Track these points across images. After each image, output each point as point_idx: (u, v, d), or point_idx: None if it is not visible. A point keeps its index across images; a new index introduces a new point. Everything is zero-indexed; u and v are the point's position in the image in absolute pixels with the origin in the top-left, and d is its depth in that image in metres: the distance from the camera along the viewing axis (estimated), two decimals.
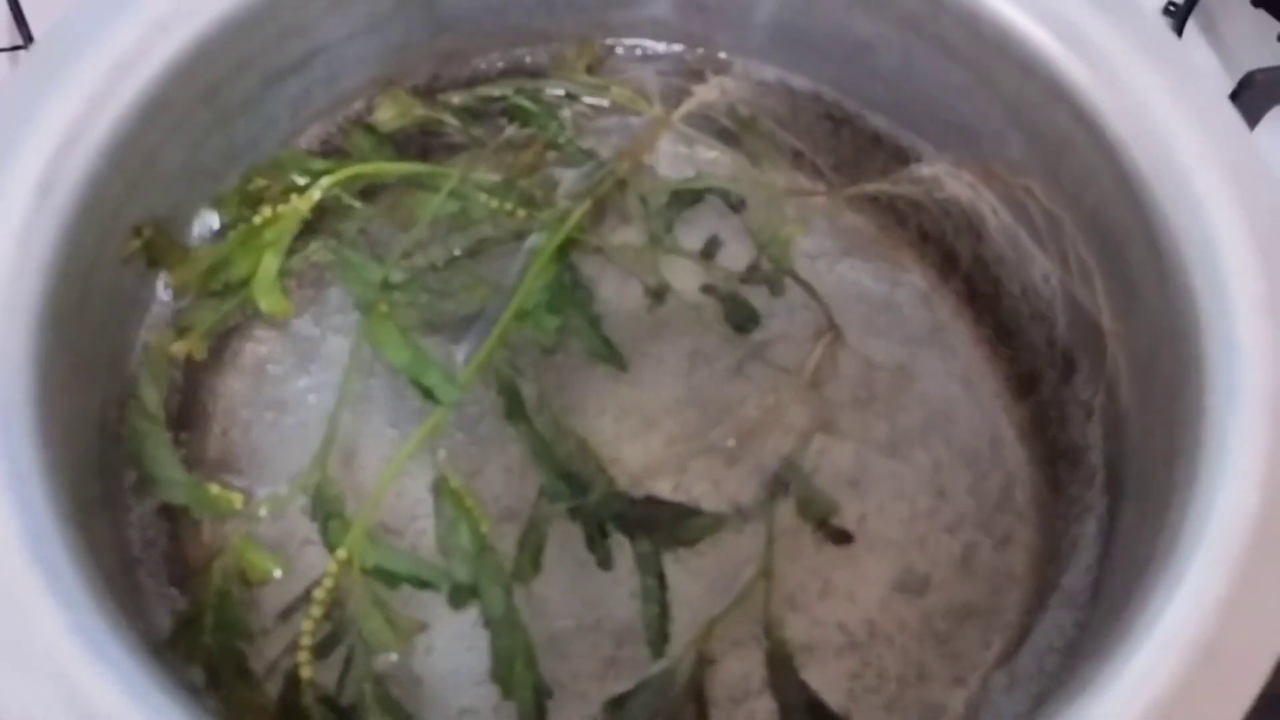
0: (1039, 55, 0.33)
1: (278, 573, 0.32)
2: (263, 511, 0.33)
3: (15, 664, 0.24)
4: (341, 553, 0.31)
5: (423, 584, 0.31)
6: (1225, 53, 0.52)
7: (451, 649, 0.32)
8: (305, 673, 0.30)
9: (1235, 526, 0.26)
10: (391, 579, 0.31)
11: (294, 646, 0.31)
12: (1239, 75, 0.47)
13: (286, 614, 0.32)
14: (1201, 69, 0.31)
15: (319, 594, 0.31)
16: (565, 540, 0.33)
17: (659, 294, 0.37)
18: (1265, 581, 0.26)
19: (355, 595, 0.31)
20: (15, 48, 0.50)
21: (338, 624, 0.31)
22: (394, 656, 0.31)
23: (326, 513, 0.32)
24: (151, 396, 0.33)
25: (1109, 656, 0.26)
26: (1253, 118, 0.47)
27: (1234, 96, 0.47)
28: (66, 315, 0.29)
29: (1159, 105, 0.31)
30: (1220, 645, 0.25)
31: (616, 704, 0.31)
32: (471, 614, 0.32)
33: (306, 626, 0.31)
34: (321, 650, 0.31)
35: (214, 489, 0.33)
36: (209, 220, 0.36)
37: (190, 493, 0.32)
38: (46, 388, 0.28)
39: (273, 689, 0.31)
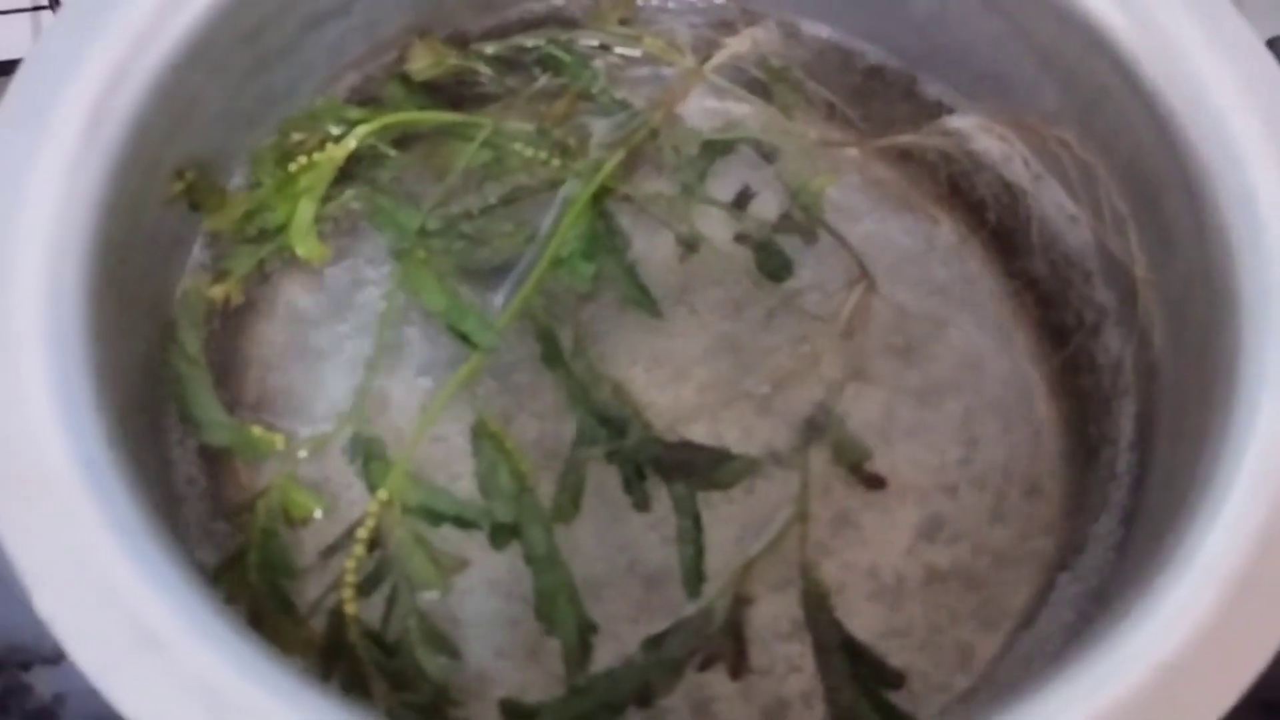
0: (1076, 2, 0.33)
1: (319, 512, 0.32)
2: (303, 452, 0.33)
3: (68, 585, 0.24)
4: (383, 493, 0.32)
5: (465, 523, 0.32)
6: (1246, 19, 0.52)
7: (486, 594, 0.33)
8: (350, 609, 0.30)
9: (1272, 459, 0.26)
10: (435, 518, 0.31)
11: (337, 585, 0.31)
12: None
13: (327, 554, 0.32)
14: (1239, 17, 0.31)
15: (361, 533, 0.31)
16: (596, 487, 0.33)
17: (692, 243, 0.37)
18: None
19: (397, 534, 0.31)
20: (38, 8, 0.50)
21: (380, 563, 0.31)
22: (435, 595, 0.32)
23: (367, 454, 0.32)
24: (192, 340, 0.33)
25: (1146, 590, 0.26)
26: None
27: None
28: (115, 253, 0.29)
29: (1195, 49, 0.31)
30: (1259, 576, 0.25)
31: (655, 642, 0.31)
32: (504, 559, 0.32)
33: (350, 565, 0.31)
34: (364, 588, 0.31)
35: (256, 430, 0.33)
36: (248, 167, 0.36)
37: (233, 434, 0.32)
38: (97, 324, 0.28)
39: (316, 626, 0.31)
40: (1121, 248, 0.34)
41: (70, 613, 0.24)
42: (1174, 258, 0.32)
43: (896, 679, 0.31)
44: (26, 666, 0.36)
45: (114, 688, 0.23)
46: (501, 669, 0.32)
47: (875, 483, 0.34)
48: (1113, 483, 0.34)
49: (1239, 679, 0.24)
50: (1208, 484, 0.27)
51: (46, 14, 0.49)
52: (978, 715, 0.26)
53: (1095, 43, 0.33)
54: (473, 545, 0.32)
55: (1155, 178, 0.32)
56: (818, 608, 0.31)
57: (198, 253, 0.35)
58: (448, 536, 0.32)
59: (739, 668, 0.31)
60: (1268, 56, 0.31)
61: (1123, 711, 0.25)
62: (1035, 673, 0.30)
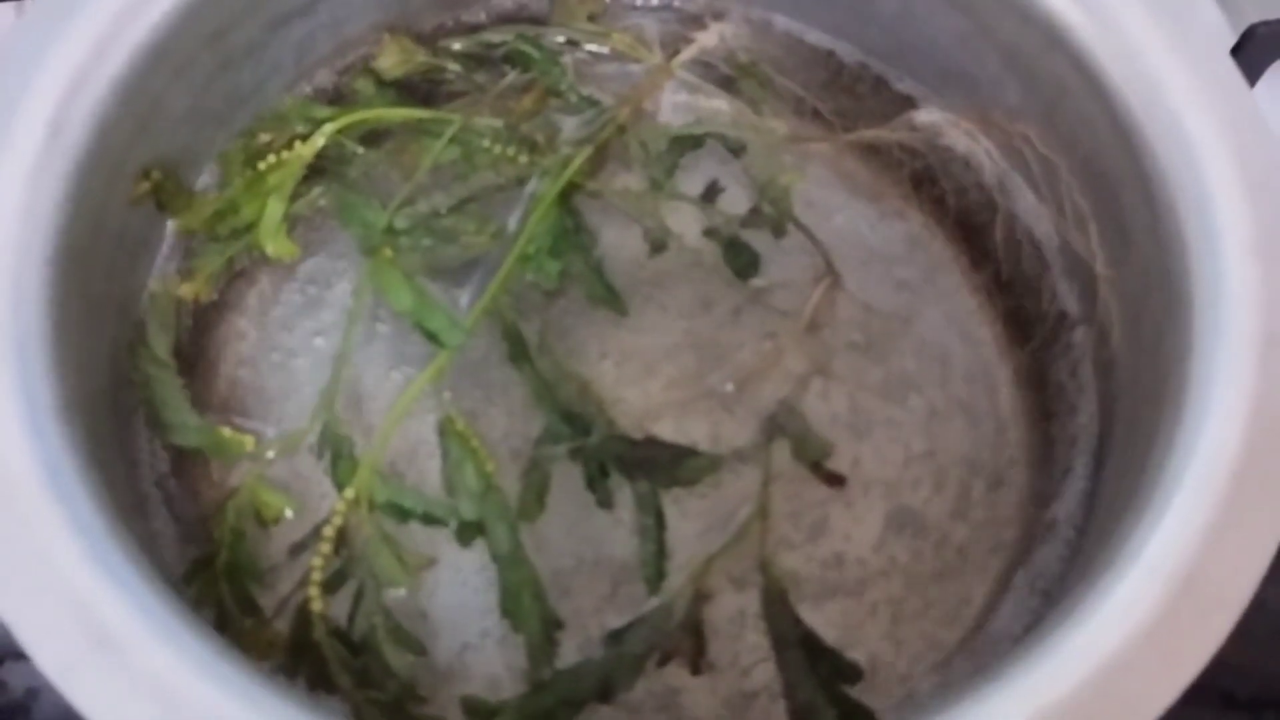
0: (1037, 2, 0.33)
1: (289, 513, 0.33)
2: (271, 453, 0.33)
3: (29, 587, 0.24)
4: (350, 491, 0.32)
5: (432, 520, 0.32)
6: (1230, 4, 0.52)
7: (454, 586, 0.33)
8: (316, 607, 0.31)
9: (1218, 462, 0.27)
10: (402, 514, 0.32)
11: (303, 583, 0.31)
12: (1242, 27, 0.47)
13: (295, 552, 0.32)
14: (1202, 18, 0.32)
15: (328, 531, 0.32)
16: (563, 480, 0.34)
17: (659, 239, 0.37)
18: (1246, 515, 0.26)
19: (364, 532, 0.31)
20: None
21: (346, 561, 0.32)
22: (402, 592, 0.32)
23: (335, 452, 0.33)
24: (161, 342, 0.34)
25: (1093, 586, 0.26)
26: (1255, 71, 0.47)
27: (1236, 49, 0.47)
28: (78, 255, 0.29)
29: (1153, 50, 0.31)
30: (1201, 575, 0.26)
31: (616, 636, 0.31)
32: (470, 553, 0.33)
33: (316, 563, 0.31)
34: (331, 586, 0.31)
35: (226, 432, 0.33)
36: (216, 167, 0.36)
37: (203, 436, 0.33)
38: (61, 326, 0.28)
39: (283, 625, 0.31)
40: (1082, 244, 0.34)
41: (30, 614, 0.24)
42: (1132, 255, 0.33)
43: (854, 673, 0.31)
44: None
45: (73, 688, 0.23)
46: (469, 662, 0.32)
47: (834, 480, 0.34)
48: (1071, 477, 0.34)
49: (1181, 675, 0.25)
50: (1156, 482, 0.27)
51: (30, 3, 0.49)
52: (929, 710, 0.26)
53: (1055, 41, 0.33)
54: (441, 537, 0.33)
55: (1114, 176, 0.33)
56: (776, 604, 0.32)
57: (165, 253, 0.35)
58: (415, 530, 0.33)
59: (698, 663, 0.31)
60: (1226, 58, 0.31)
61: (1068, 707, 0.25)
62: (991, 666, 0.30)
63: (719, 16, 0.40)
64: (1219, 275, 0.29)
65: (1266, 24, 0.47)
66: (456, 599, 0.33)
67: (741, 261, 0.37)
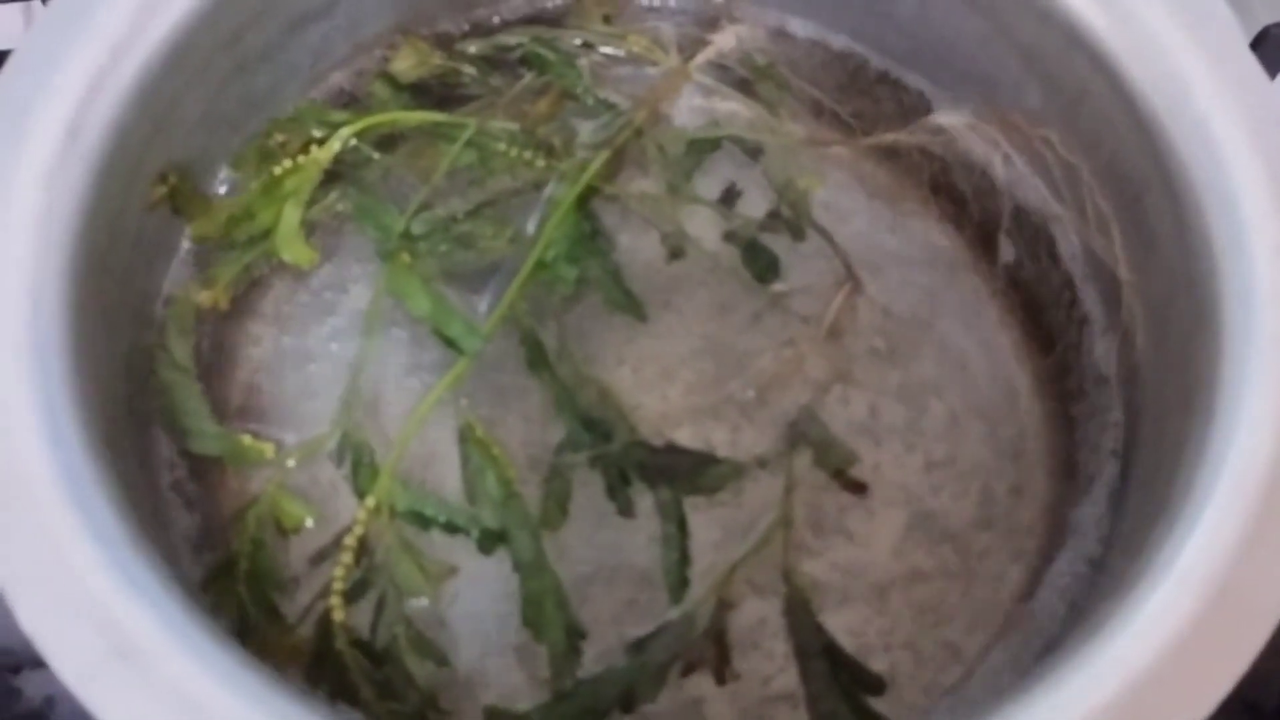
0: (1057, 2, 0.33)
1: (310, 521, 0.32)
2: (291, 461, 0.33)
3: (50, 598, 0.24)
4: (371, 500, 0.32)
5: (454, 528, 0.32)
6: (1243, 6, 0.52)
7: (474, 594, 0.33)
8: (338, 616, 0.30)
9: (1251, 468, 0.26)
10: (424, 523, 0.31)
11: (325, 592, 0.31)
12: (1256, 30, 0.47)
13: (316, 561, 0.32)
14: (1219, 15, 0.31)
15: (349, 540, 0.31)
16: (583, 487, 0.33)
17: (678, 244, 0.37)
18: (1279, 525, 0.26)
19: (385, 541, 0.31)
20: None
21: (368, 570, 0.31)
22: (424, 601, 0.32)
23: (355, 460, 0.33)
24: (180, 348, 0.33)
25: (1125, 596, 0.26)
26: (1269, 73, 0.47)
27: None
28: (96, 260, 0.29)
29: (1177, 51, 0.31)
30: (1235, 584, 0.25)
31: (638, 646, 0.31)
32: (488, 561, 0.33)
33: (338, 572, 0.31)
34: (352, 595, 0.31)
35: (246, 439, 0.33)
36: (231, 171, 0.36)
37: (222, 443, 0.33)
38: (79, 332, 0.28)
39: (305, 634, 0.31)
40: (1105, 248, 0.34)
41: (50, 623, 0.24)
42: (1156, 260, 0.32)
43: (877, 684, 0.31)
44: (16, 670, 0.36)
45: (92, 697, 0.23)
46: (489, 671, 0.32)
47: (857, 488, 0.34)
48: (1095, 485, 0.34)
49: (1215, 689, 0.25)
50: (1187, 492, 0.27)
51: (38, 4, 0.49)
52: None
53: (1076, 42, 0.33)
54: (460, 545, 0.33)
55: (1137, 179, 0.32)
56: (799, 613, 0.32)
57: (181, 259, 0.35)
58: (435, 537, 0.33)
59: (723, 672, 0.31)
60: (1250, 58, 0.31)
61: None
62: (1016, 678, 0.30)
63: (735, 19, 0.39)
64: (1248, 278, 0.29)
65: None
66: (475, 608, 0.33)
67: (761, 265, 0.37)
